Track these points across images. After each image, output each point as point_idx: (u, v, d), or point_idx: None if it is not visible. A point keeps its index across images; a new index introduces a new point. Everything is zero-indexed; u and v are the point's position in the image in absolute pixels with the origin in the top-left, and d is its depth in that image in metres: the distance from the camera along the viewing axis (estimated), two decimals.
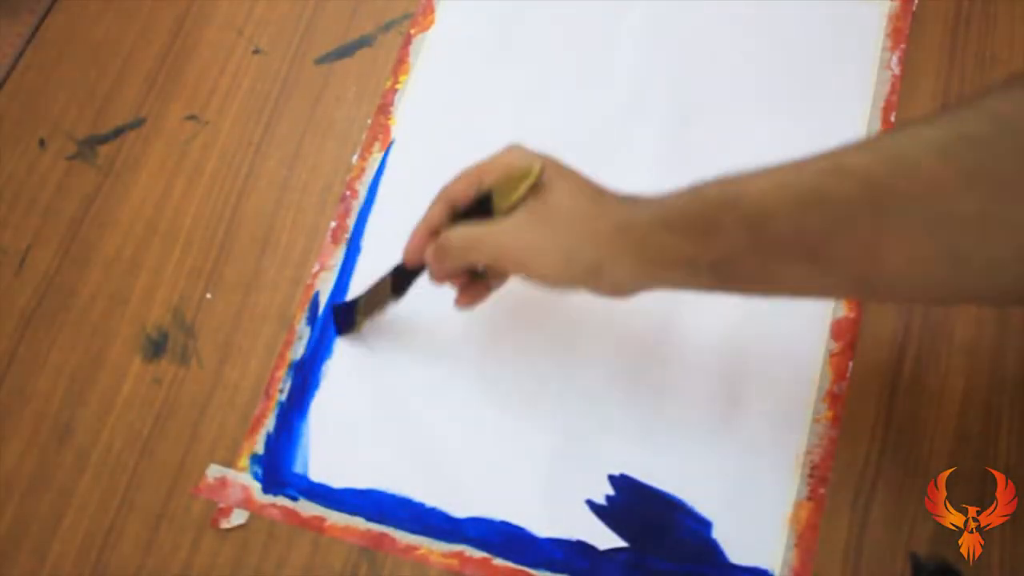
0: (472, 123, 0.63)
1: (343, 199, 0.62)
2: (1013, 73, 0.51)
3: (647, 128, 0.62)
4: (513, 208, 0.46)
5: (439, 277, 0.50)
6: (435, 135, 0.64)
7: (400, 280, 0.53)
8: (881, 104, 0.61)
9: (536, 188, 0.45)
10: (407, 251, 0.51)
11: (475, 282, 0.51)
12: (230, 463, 0.55)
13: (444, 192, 0.50)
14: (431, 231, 0.49)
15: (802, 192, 0.39)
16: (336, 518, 0.54)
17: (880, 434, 0.53)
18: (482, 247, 0.47)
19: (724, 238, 0.41)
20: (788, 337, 0.56)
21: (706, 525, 0.52)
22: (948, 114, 0.38)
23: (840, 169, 0.38)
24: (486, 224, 0.47)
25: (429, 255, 0.49)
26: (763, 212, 0.39)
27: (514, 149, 0.48)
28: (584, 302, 0.57)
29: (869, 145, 0.40)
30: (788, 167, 0.40)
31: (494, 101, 0.64)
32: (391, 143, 0.63)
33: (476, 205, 0.48)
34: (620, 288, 0.45)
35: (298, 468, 0.55)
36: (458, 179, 0.49)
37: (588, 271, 0.45)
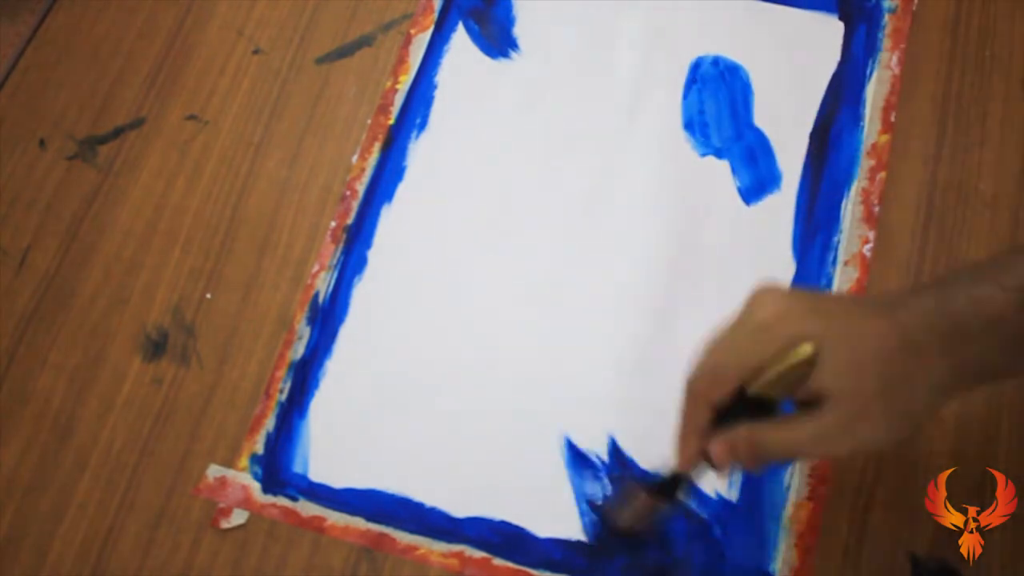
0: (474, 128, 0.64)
1: (343, 199, 0.62)
2: None
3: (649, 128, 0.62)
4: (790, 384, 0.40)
5: (726, 470, 0.44)
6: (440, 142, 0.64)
7: (671, 487, 0.47)
8: (881, 104, 0.61)
9: (822, 349, 0.39)
10: (684, 461, 0.44)
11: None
12: (230, 463, 0.55)
13: (698, 393, 0.43)
14: (701, 436, 0.43)
15: None
16: (336, 518, 0.54)
17: None
18: (809, 450, 0.43)
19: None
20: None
21: (706, 525, 0.52)
22: None
23: None
24: (801, 425, 0.41)
25: (731, 460, 0.43)
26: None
27: (773, 324, 0.40)
28: (584, 301, 0.57)
29: None
30: None
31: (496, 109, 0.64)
32: (392, 143, 0.63)
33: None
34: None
35: (298, 468, 0.55)
36: (711, 376, 0.42)
37: (930, 417, 0.42)
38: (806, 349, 0.39)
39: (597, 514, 0.53)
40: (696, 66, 0.64)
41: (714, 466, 0.44)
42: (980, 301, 0.39)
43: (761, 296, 0.41)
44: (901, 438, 0.41)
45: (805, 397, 0.40)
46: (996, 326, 0.39)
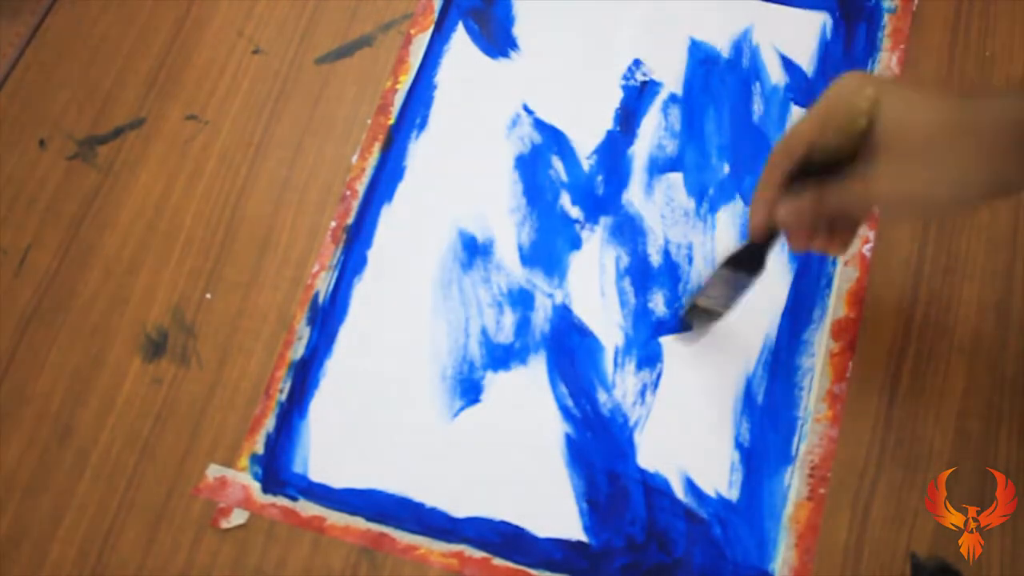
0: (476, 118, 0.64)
1: (343, 199, 0.62)
2: None
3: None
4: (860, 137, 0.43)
5: (803, 244, 0.47)
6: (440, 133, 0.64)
7: (754, 257, 0.50)
8: None
9: (881, 109, 0.42)
10: (754, 226, 0.48)
11: (840, 228, 0.48)
12: (230, 463, 0.55)
13: (772, 163, 0.46)
14: (772, 200, 0.46)
15: None
16: (336, 518, 0.54)
17: (880, 434, 0.53)
18: (862, 202, 0.44)
19: None
20: (789, 335, 0.56)
21: (706, 525, 0.52)
22: None
23: None
24: (858, 178, 0.43)
25: (796, 222, 0.46)
26: None
27: (838, 87, 0.44)
28: (584, 300, 0.57)
29: None
30: None
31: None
32: (392, 143, 0.63)
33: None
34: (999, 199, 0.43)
35: (298, 468, 0.55)
36: (785, 144, 0.46)
37: (983, 193, 0.43)
38: (867, 94, 0.42)
39: (684, 307, 0.56)
40: (695, 65, 0.64)
41: (784, 234, 0.47)
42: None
43: (837, 79, 0.44)
44: (942, 203, 0.43)
45: (867, 156, 0.43)
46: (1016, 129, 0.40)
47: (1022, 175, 0.41)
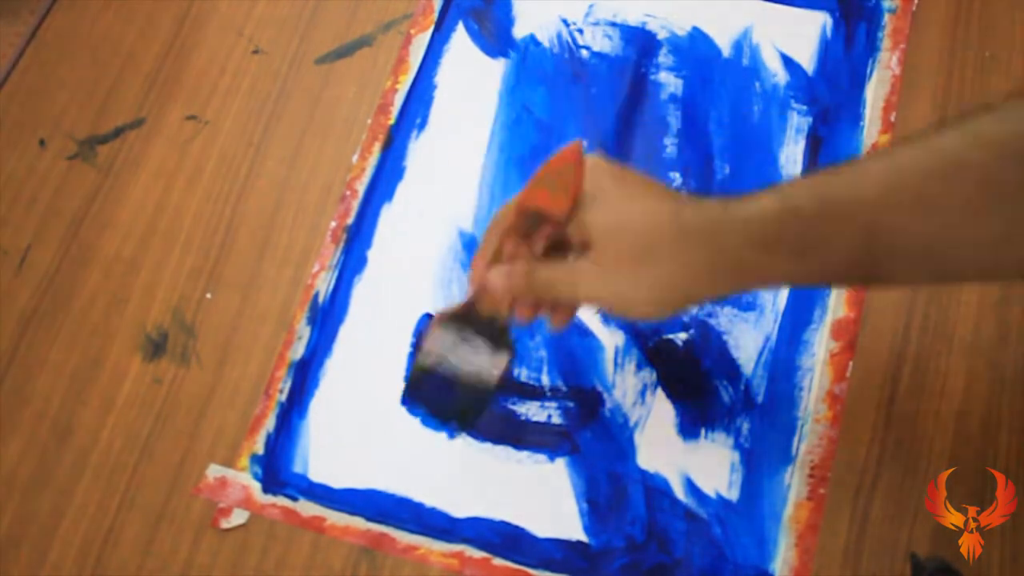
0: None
1: (343, 199, 0.62)
2: None
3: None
4: (573, 204, 0.42)
5: (526, 313, 0.47)
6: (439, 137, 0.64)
7: (463, 315, 0.48)
8: (881, 104, 0.61)
9: (601, 200, 0.42)
10: (472, 282, 0.47)
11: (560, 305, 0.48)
12: (230, 463, 0.56)
13: (495, 221, 0.47)
14: (489, 259, 0.46)
15: (910, 199, 0.37)
16: (336, 518, 0.54)
17: (880, 434, 0.53)
18: (567, 290, 0.44)
19: (827, 254, 0.39)
20: (789, 335, 0.56)
21: (706, 525, 0.52)
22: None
23: (952, 169, 0.36)
24: (568, 265, 0.44)
25: (502, 287, 0.45)
26: (868, 224, 0.37)
27: (549, 160, 0.44)
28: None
29: (980, 133, 0.36)
30: (886, 165, 0.38)
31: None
32: (392, 143, 0.63)
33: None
34: (717, 299, 0.44)
35: (298, 468, 0.55)
36: (508, 207, 0.46)
37: (686, 302, 0.43)
38: (573, 151, 0.42)
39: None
40: (695, 65, 0.64)
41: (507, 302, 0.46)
42: (747, 202, 0.40)
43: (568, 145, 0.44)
44: (651, 310, 0.42)
45: (579, 241, 0.43)
46: (749, 224, 0.40)
47: (725, 286, 0.42)
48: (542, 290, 0.45)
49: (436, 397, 0.50)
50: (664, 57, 0.64)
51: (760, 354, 0.56)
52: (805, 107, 0.62)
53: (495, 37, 0.66)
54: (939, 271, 0.40)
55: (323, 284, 0.60)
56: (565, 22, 0.66)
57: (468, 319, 0.48)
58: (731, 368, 0.56)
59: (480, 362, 0.48)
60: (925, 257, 0.38)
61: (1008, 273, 0.40)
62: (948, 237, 0.37)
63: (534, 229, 0.44)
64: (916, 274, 0.41)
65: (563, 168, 0.43)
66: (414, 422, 0.56)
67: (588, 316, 0.57)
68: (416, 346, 0.52)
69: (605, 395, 0.55)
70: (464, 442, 0.55)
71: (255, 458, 0.56)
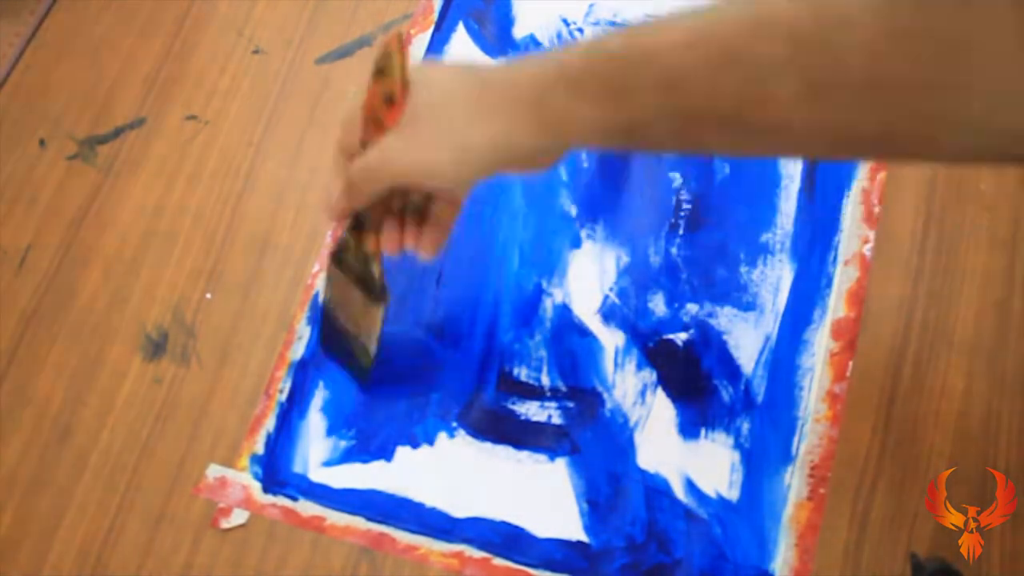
0: None
1: None
2: None
3: None
4: (405, 89, 0.42)
5: (391, 244, 0.46)
6: None
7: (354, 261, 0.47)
8: None
9: (416, 80, 0.42)
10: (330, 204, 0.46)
11: (423, 225, 0.47)
12: (230, 463, 0.55)
13: (340, 129, 0.46)
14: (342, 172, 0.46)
15: (718, 51, 0.34)
16: (336, 518, 0.54)
17: (880, 434, 0.53)
18: (381, 168, 0.43)
19: (635, 101, 0.37)
20: (789, 335, 0.56)
21: (706, 525, 0.52)
22: None
23: (761, 24, 0.34)
24: (376, 145, 0.43)
25: (343, 195, 0.45)
26: (675, 74, 0.35)
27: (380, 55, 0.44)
28: (582, 295, 0.57)
29: None
30: (703, 17, 0.35)
31: None
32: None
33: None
34: (531, 163, 0.41)
35: (298, 468, 0.55)
36: (346, 111, 0.46)
37: (491, 154, 0.40)
38: (389, 44, 0.42)
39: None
40: None
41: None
42: (556, 50, 0.40)
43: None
44: (455, 172, 0.41)
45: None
46: (552, 65, 0.39)
47: (529, 136, 0.40)
48: (363, 181, 0.44)
49: (337, 348, 0.51)
50: None
51: (760, 354, 0.56)
52: None
53: (495, 37, 0.66)
54: (746, 132, 0.36)
55: (323, 284, 0.60)
56: (565, 22, 0.66)
57: (341, 265, 0.47)
58: (731, 368, 0.56)
59: (356, 313, 0.48)
60: (729, 118, 0.36)
61: (811, 143, 0.36)
62: (752, 96, 0.34)
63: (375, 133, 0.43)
64: (724, 138, 0.37)
65: (386, 54, 0.43)
66: (413, 422, 0.56)
67: (588, 316, 0.57)
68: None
69: (605, 395, 0.55)
70: (464, 442, 0.55)
71: (255, 458, 0.56)
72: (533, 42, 0.66)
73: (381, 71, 0.43)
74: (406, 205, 0.47)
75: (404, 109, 0.42)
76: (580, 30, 0.66)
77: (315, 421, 0.56)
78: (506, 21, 0.67)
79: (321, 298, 0.49)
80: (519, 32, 0.66)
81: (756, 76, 0.34)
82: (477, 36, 0.66)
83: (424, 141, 0.41)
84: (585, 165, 0.62)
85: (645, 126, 0.38)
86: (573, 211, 0.60)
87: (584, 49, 0.39)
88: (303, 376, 0.57)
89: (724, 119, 0.36)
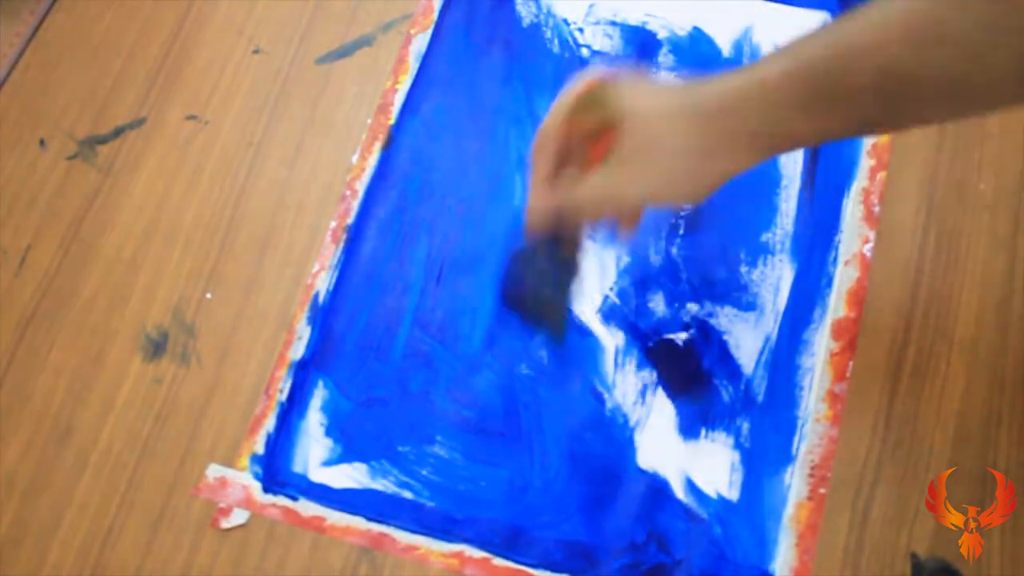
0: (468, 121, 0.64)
1: (343, 199, 0.62)
2: None
3: None
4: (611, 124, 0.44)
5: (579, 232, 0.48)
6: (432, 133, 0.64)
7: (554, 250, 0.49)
8: None
9: (625, 112, 0.43)
10: (538, 216, 0.48)
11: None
12: (230, 463, 0.55)
13: (540, 150, 0.47)
14: (549, 185, 0.47)
15: (930, 37, 0.37)
16: (336, 518, 0.54)
17: (880, 434, 0.53)
18: (608, 200, 0.45)
19: (849, 106, 0.39)
20: (789, 335, 0.56)
21: (706, 525, 0.52)
22: None
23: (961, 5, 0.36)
24: (597, 176, 0.44)
25: (555, 215, 0.47)
26: (886, 66, 0.37)
27: (576, 83, 0.45)
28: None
29: None
30: (894, 9, 0.37)
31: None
32: (391, 143, 0.63)
33: None
34: (746, 169, 0.44)
35: (298, 468, 0.55)
36: (545, 131, 0.47)
37: (715, 179, 0.43)
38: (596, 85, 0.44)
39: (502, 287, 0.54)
40: (696, 65, 0.64)
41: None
42: (758, 67, 0.41)
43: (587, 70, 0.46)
44: (692, 197, 0.44)
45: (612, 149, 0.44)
46: (764, 86, 0.40)
47: (751, 160, 0.42)
48: (588, 207, 0.46)
49: (525, 314, 0.53)
50: (664, 57, 0.64)
51: (760, 354, 0.56)
52: None
53: (495, 37, 0.66)
54: (958, 106, 0.39)
55: (323, 284, 0.60)
56: (565, 22, 0.66)
57: (534, 260, 0.49)
58: (731, 368, 0.56)
59: (552, 283, 0.50)
60: (941, 95, 0.38)
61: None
62: (958, 73, 0.37)
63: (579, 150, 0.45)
64: (936, 111, 0.40)
65: (600, 90, 0.44)
66: (413, 422, 0.56)
67: (588, 316, 0.57)
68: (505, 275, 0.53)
69: (605, 395, 0.55)
70: (464, 441, 0.55)
71: (255, 458, 0.56)
72: (534, 42, 0.66)
73: (587, 107, 0.44)
74: None
75: (615, 140, 0.43)
76: (580, 30, 0.66)
77: (315, 421, 0.56)
78: (507, 21, 0.66)
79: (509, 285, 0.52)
80: (520, 32, 0.66)
81: (968, 52, 0.36)
82: (477, 36, 0.66)
83: (652, 172, 0.43)
84: None
85: (861, 123, 0.40)
86: None
87: (786, 68, 0.40)
88: (303, 376, 0.57)
89: (936, 98, 0.38)
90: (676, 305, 0.57)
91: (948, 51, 0.36)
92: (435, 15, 0.67)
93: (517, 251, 0.50)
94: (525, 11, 0.67)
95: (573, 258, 0.49)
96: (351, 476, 0.55)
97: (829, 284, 0.57)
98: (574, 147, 0.46)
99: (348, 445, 0.55)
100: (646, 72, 0.45)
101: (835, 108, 0.40)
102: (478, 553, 0.52)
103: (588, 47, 0.65)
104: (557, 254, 0.49)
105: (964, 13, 0.36)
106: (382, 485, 0.54)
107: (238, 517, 0.54)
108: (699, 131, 0.42)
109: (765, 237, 0.59)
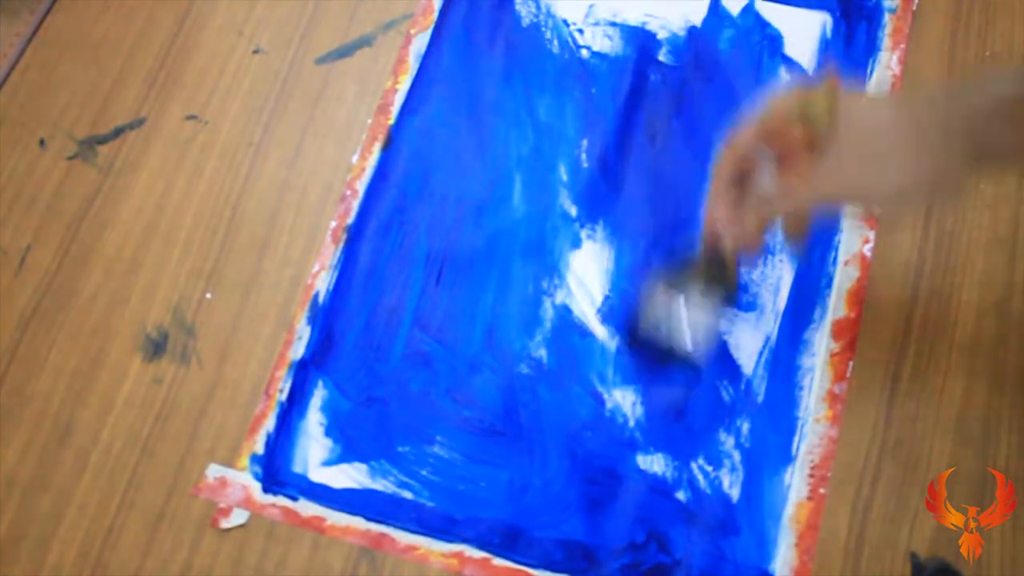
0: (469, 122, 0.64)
1: (343, 199, 0.62)
2: None
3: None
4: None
5: (754, 244, 0.49)
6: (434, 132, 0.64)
7: (716, 269, 0.49)
8: None
9: (846, 118, 0.44)
10: (710, 223, 0.49)
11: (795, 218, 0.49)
12: (230, 463, 0.55)
13: (721, 162, 0.48)
14: (727, 201, 0.48)
15: None
16: (336, 518, 0.54)
17: (880, 434, 0.53)
18: (821, 195, 0.46)
19: None
20: (789, 335, 0.56)
21: (706, 525, 0.52)
22: None
23: None
24: (809, 176, 0.45)
25: (766, 210, 0.47)
26: None
27: (777, 95, 0.46)
28: (583, 292, 0.57)
29: None
30: None
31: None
32: (391, 143, 0.63)
33: None
34: (953, 192, 0.45)
35: (298, 468, 0.55)
36: (732, 141, 0.47)
37: (928, 189, 0.44)
38: (823, 95, 0.44)
39: (627, 326, 0.54)
40: (695, 65, 0.64)
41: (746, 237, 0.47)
42: (986, 85, 0.42)
43: (783, 89, 0.47)
44: (913, 196, 0.45)
45: (816, 154, 0.44)
46: (996, 103, 0.41)
47: (958, 164, 0.42)
48: (799, 205, 0.46)
49: (653, 357, 0.53)
50: (664, 57, 0.64)
51: (760, 354, 0.56)
52: None
53: (495, 37, 0.66)
54: None
55: (323, 284, 0.60)
56: (565, 22, 0.66)
57: (691, 276, 0.50)
58: (731, 368, 0.55)
59: (697, 319, 0.51)
60: None
61: None
62: None
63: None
64: None
65: (810, 98, 0.44)
66: (413, 422, 0.56)
67: (588, 316, 0.57)
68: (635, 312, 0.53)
69: (605, 395, 0.55)
70: (464, 441, 0.55)
71: (255, 458, 0.56)
72: (534, 42, 0.66)
73: (805, 114, 0.44)
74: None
75: (828, 144, 0.44)
76: (580, 31, 0.66)
77: (315, 421, 0.56)
78: (507, 21, 0.66)
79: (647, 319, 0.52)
80: (520, 32, 0.66)
81: None
82: (477, 36, 0.66)
83: (867, 168, 0.44)
84: (585, 165, 0.62)
85: None
86: (573, 211, 0.60)
87: (1014, 78, 0.41)
88: (303, 376, 0.57)
89: None
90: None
91: None
92: (435, 15, 0.67)
93: (665, 273, 0.50)
94: (525, 11, 0.67)
95: (735, 277, 0.50)
96: (351, 476, 0.55)
97: (829, 284, 0.57)
98: (762, 158, 0.46)
99: (348, 445, 0.55)
100: (850, 85, 0.46)
101: None
102: (478, 553, 0.52)
103: (588, 48, 0.65)
104: (721, 273, 0.49)
105: None
106: (382, 485, 0.54)
107: (238, 517, 0.54)
108: (914, 131, 0.43)
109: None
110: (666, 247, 0.59)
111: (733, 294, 0.50)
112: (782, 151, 0.46)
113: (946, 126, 0.42)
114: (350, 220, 0.61)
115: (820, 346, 0.56)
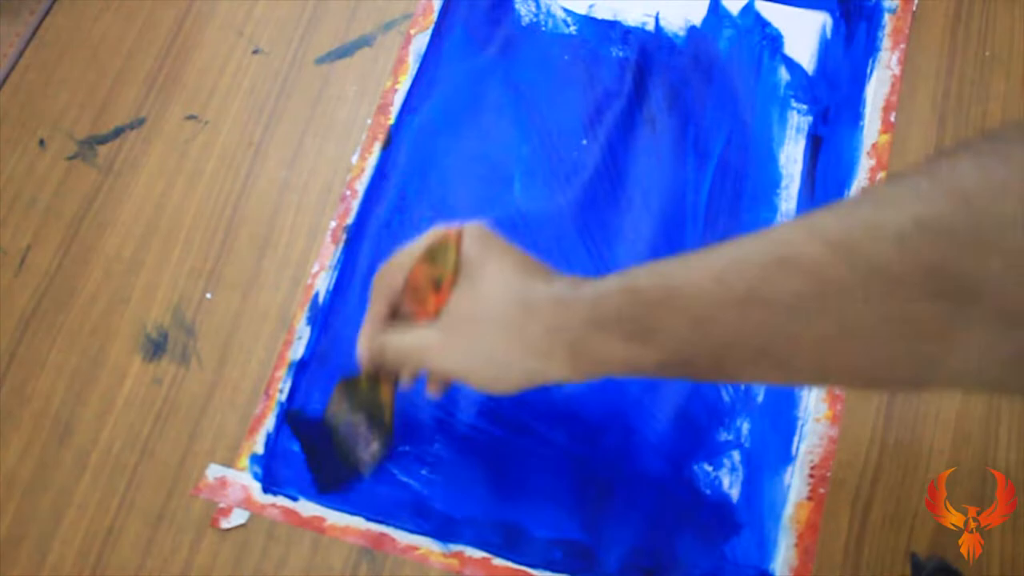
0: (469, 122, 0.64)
1: (343, 199, 0.62)
2: (987, 130, 0.47)
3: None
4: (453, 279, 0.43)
5: (407, 382, 0.49)
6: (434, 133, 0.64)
7: (371, 396, 0.50)
8: (881, 104, 0.61)
9: (465, 273, 0.43)
10: (362, 351, 0.48)
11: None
12: (230, 463, 0.56)
13: (376, 288, 0.47)
14: (377, 329, 0.47)
15: (743, 291, 0.34)
16: (336, 518, 0.54)
17: (880, 434, 0.53)
18: (415, 360, 0.45)
19: (664, 341, 0.37)
20: None
21: (705, 525, 0.52)
22: (909, 186, 0.32)
23: (785, 263, 0.34)
24: (416, 333, 0.44)
25: (371, 357, 0.47)
26: (703, 314, 0.36)
27: (434, 230, 0.45)
28: None
29: (818, 228, 0.33)
30: (728, 255, 0.36)
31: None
32: (391, 143, 0.63)
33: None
34: (564, 382, 0.41)
35: (298, 468, 0.55)
36: (389, 268, 0.47)
37: (525, 379, 0.42)
38: (448, 237, 0.43)
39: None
40: (695, 65, 0.64)
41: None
42: (596, 281, 0.40)
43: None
44: (490, 384, 0.42)
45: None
46: (588, 301, 0.39)
47: (564, 372, 0.40)
48: (395, 360, 0.46)
49: (318, 451, 0.54)
50: (664, 57, 0.64)
51: None
52: (805, 107, 0.62)
53: (495, 37, 0.66)
54: (781, 370, 0.36)
55: (323, 284, 0.60)
56: (565, 22, 0.66)
57: (355, 393, 0.51)
58: None
59: (358, 444, 0.53)
60: (760, 354, 0.35)
61: (849, 377, 0.36)
62: (780, 334, 0.34)
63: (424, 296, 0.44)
64: (760, 372, 0.37)
65: (444, 247, 0.43)
66: (413, 422, 0.56)
67: None
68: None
69: (605, 395, 0.55)
70: (463, 440, 0.55)
71: (255, 458, 0.56)
72: (534, 42, 0.66)
73: (434, 257, 0.44)
74: None
75: (448, 297, 0.43)
76: (580, 30, 0.66)
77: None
78: (507, 21, 0.66)
79: (327, 415, 0.53)
80: (520, 32, 0.66)
81: (782, 315, 0.34)
82: (477, 36, 0.66)
83: (465, 350, 0.42)
84: (585, 165, 0.62)
85: (678, 364, 0.38)
86: (573, 211, 0.60)
87: (619, 294, 0.39)
88: (303, 376, 0.57)
89: (755, 355, 0.35)
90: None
91: (762, 312, 0.34)
92: (435, 15, 0.67)
93: (347, 377, 0.52)
94: (525, 11, 0.67)
95: (388, 401, 0.50)
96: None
97: None
98: (413, 292, 0.45)
99: None
100: (500, 236, 0.45)
101: (647, 340, 0.38)
102: (478, 553, 0.52)
103: (588, 47, 0.65)
104: (376, 393, 0.50)
105: (780, 281, 0.34)
106: (382, 485, 0.54)
107: (238, 517, 0.54)
108: (519, 326, 0.41)
109: None
110: (665, 248, 0.59)
111: (388, 433, 0.51)
112: (424, 290, 0.44)
113: (550, 334, 0.40)
114: (350, 220, 0.61)
115: None
